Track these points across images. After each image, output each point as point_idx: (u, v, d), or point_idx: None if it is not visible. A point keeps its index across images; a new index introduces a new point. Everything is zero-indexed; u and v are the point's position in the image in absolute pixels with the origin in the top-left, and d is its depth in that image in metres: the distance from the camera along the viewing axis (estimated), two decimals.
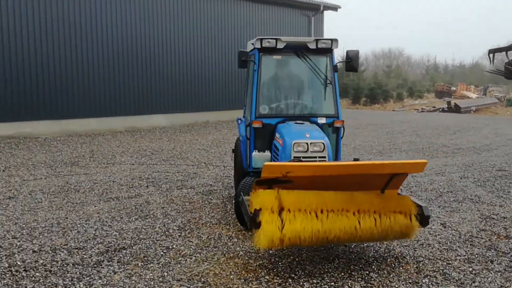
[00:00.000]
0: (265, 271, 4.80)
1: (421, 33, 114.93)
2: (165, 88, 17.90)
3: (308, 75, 6.62)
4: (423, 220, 4.95)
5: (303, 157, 5.66)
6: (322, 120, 6.34)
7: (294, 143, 5.68)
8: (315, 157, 5.66)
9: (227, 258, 5.12)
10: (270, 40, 6.32)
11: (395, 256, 5.25)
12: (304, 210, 4.55)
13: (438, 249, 5.50)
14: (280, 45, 6.32)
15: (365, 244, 5.58)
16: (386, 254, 5.31)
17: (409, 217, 4.85)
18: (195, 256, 5.18)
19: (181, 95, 18.42)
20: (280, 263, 4.99)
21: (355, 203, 4.73)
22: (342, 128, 6.47)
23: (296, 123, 6.22)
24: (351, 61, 6.38)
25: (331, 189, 4.73)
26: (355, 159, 5.32)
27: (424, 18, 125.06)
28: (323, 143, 5.68)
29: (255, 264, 4.95)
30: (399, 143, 14.26)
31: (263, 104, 6.47)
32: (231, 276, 4.66)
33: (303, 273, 4.76)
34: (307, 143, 5.69)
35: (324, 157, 5.67)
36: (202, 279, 4.58)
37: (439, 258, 5.23)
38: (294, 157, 5.66)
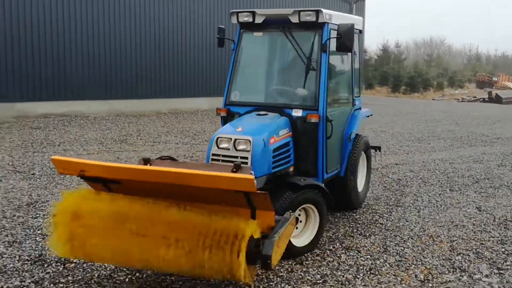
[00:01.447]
0: None
1: (464, 23, 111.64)
2: (207, 72, 18.38)
3: (292, 56, 5.54)
4: (262, 260, 3.54)
5: (224, 156, 4.73)
6: (297, 113, 5.22)
7: (217, 138, 4.81)
8: (237, 157, 4.68)
9: None
10: (246, 13, 5.48)
11: (430, 235, 5.53)
12: (102, 220, 3.72)
13: (472, 230, 5.73)
14: (259, 20, 5.43)
15: (401, 223, 5.88)
16: (421, 233, 5.59)
17: (236, 253, 3.46)
18: None
19: (222, 79, 18.87)
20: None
21: (167, 223, 3.60)
22: (322, 124, 5.18)
23: (258, 114, 5.28)
24: (341, 37, 4.96)
25: (171, 199, 3.73)
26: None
27: (468, 8, 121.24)
28: (249, 140, 4.68)
29: None
30: (438, 131, 14.29)
31: (235, 90, 5.65)
32: None
33: (340, 246, 5.11)
34: (231, 139, 4.74)
35: (246, 158, 4.66)
36: None
37: (472, 238, 5.47)
38: (213, 154, 4.79)
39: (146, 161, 4.44)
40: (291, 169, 5.27)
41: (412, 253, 5.01)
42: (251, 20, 5.47)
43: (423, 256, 4.93)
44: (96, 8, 15.15)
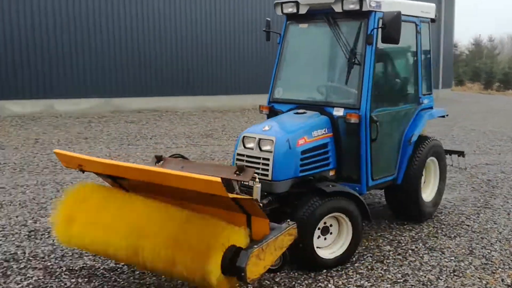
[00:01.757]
0: (386, 241, 5.17)
1: None
2: None
3: (336, 49, 5.05)
4: (235, 272, 3.29)
5: (248, 156, 4.51)
6: (338, 112, 4.82)
7: (243, 137, 4.59)
8: (260, 158, 4.43)
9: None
10: (290, 3, 5.16)
11: None
12: (92, 211, 3.84)
13: None
14: (303, 10, 5.11)
15: (489, 226, 5.67)
16: (510, 236, 5.37)
17: (209, 260, 3.25)
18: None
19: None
20: (401, 237, 5.31)
21: (148, 219, 3.60)
22: (365, 125, 4.69)
23: (296, 113, 4.99)
24: (385, 27, 4.49)
25: (173, 200, 3.74)
26: None
27: None
28: (272, 141, 4.41)
29: (375, 235, 5.34)
30: None
31: (279, 87, 5.43)
32: None
33: (423, 246, 5.04)
34: (255, 138, 4.50)
35: (268, 159, 4.39)
36: None
37: None
38: (238, 154, 4.59)
39: (159, 158, 4.41)
40: (331, 173, 4.84)
41: (499, 256, 4.84)
42: (295, 10, 5.14)
43: (511, 260, 4.75)
44: (178, 11, 15.82)
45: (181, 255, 3.33)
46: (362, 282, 4.25)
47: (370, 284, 4.22)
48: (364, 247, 4.96)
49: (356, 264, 4.58)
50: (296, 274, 4.33)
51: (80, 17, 14.04)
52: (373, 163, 4.88)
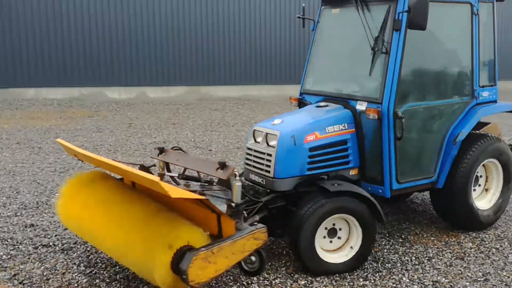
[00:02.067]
0: (468, 238, 4.97)
1: None
2: None
3: (366, 36, 4.48)
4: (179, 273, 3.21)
5: (256, 151, 4.35)
6: (361, 106, 4.41)
7: (254, 131, 4.45)
8: (265, 153, 4.25)
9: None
10: None
11: None
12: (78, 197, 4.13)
13: None
14: None
15: None
16: None
17: (156, 257, 3.24)
18: None
19: None
20: (486, 234, 5.08)
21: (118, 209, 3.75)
22: (388, 122, 4.23)
23: (317, 106, 4.72)
24: (410, 11, 3.99)
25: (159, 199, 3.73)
26: None
27: None
28: (276, 135, 4.19)
29: (457, 231, 5.16)
30: None
31: (309, 77, 5.16)
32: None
33: (509, 246, 4.79)
34: (263, 132, 4.33)
35: (271, 155, 4.18)
36: None
37: None
38: (248, 148, 4.47)
39: (161, 150, 4.49)
40: (352, 172, 4.48)
41: None
42: None
43: None
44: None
45: (132, 250, 3.36)
46: (439, 278, 4.13)
47: (447, 280, 4.09)
48: (444, 243, 4.81)
49: (433, 260, 4.46)
50: (368, 266, 4.31)
51: (172, 14, 14.68)
52: (399, 164, 4.40)
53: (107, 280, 3.98)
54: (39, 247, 4.57)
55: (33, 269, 4.14)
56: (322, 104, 4.71)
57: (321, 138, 4.28)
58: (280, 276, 4.11)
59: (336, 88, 4.88)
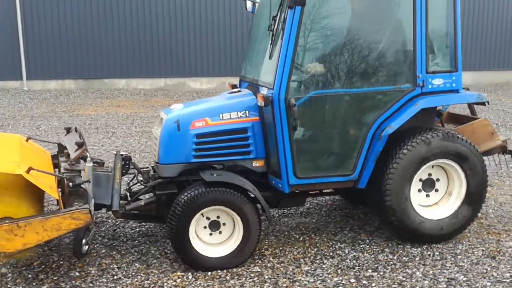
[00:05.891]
0: (510, 237, 4.52)
1: None
2: None
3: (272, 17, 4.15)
4: None
5: (155, 137, 4.29)
6: (263, 92, 4.13)
7: (159, 116, 4.45)
8: (156, 138, 4.20)
9: None
10: None
11: None
12: None
13: None
14: None
15: None
16: None
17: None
18: None
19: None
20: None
21: None
22: (279, 109, 3.86)
23: (230, 92, 4.63)
24: None
25: None
26: None
27: None
28: (163, 120, 4.13)
29: (501, 227, 4.71)
30: None
31: (245, 63, 5.02)
32: None
33: None
34: (160, 117, 4.35)
35: (157, 139, 4.12)
36: None
37: None
38: (152, 133, 4.50)
39: (67, 130, 4.67)
40: (256, 163, 4.11)
41: None
42: None
43: None
44: None
45: None
46: (457, 275, 3.84)
47: (465, 279, 3.78)
48: (480, 240, 4.44)
49: (459, 256, 4.14)
50: (381, 258, 4.12)
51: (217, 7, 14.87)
52: (299, 157, 4.00)
53: (123, 252, 4.25)
54: None
55: (64, 237, 4.52)
56: (235, 90, 4.50)
57: (213, 125, 4.01)
58: (283, 261, 4.09)
59: (253, 73, 4.55)
